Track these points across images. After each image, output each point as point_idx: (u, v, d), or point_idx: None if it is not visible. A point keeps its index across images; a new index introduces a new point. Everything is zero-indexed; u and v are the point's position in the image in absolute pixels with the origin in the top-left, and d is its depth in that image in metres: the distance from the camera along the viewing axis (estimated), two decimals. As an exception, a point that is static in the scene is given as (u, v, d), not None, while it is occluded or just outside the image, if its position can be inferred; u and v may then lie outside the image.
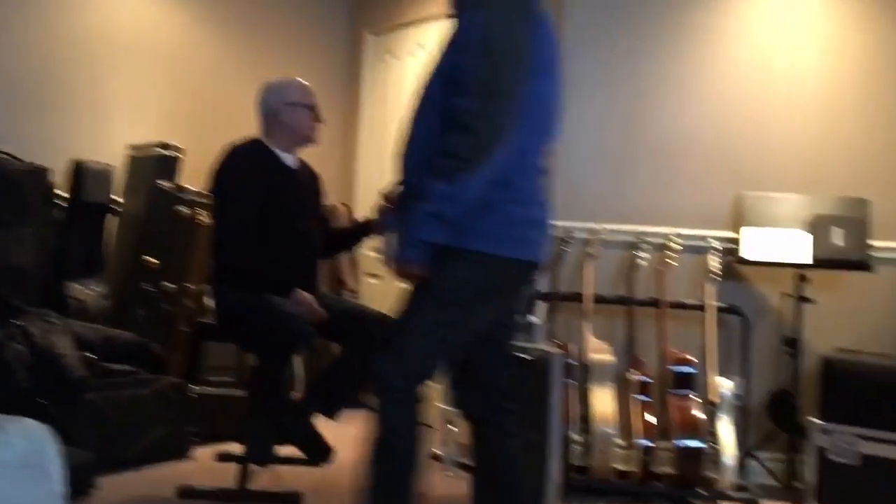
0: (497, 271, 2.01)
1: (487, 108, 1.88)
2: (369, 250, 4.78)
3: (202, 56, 4.51)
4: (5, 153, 3.59)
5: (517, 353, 3.01)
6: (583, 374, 3.34)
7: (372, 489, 1.98)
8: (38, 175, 3.64)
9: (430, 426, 3.90)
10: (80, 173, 3.85)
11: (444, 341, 2.02)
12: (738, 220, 3.47)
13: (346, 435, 3.81)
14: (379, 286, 4.76)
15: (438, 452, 3.56)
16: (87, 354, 3.18)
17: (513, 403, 2.22)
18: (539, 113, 2.03)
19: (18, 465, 1.17)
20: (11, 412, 1.45)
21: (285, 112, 2.92)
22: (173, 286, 3.88)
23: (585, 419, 3.25)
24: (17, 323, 3.04)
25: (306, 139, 2.98)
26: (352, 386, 2.99)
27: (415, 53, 4.62)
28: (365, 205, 4.55)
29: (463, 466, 3.45)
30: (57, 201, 3.81)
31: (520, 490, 2.17)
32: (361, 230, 3.05)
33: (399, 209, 2.79)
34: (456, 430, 3.50)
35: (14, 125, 3.83)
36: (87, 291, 3.80)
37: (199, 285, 3.94)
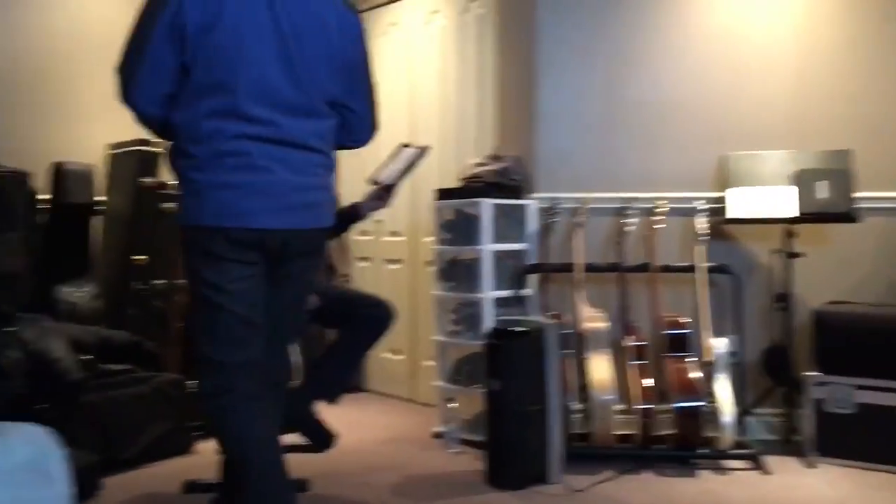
0: (195, 241, 2.04)
1: (121, 64, 2.09)
2: (358, 234, 4.77)
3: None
4: (-16, 160, 3.55)
5: (507, 328, 3.03)
6: (578, 343, 3.36)
7: None
8: (19, 179, 3.60)
9: (430, 404, 3.93)
10: (61, 175, 3.82)
11: (203, 325, 2.06)
12: (724, 180, 3.48)
13: (349, 419, 3.83)
14: (370, 269, 4.76)
15: (440, 430, 3.58)
16: (83, 356, 3.17)
17: (272, 384, 2.19)
18: (227, 74, 2.02)
19: (22, 470, 1.16)
20: (10, 419, 1.44)
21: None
22: (163, 282, 3.87)
23: (584, 388, 3.27)
24: (10, 329, 3.03)
25: None
26: (350, 370, 3.00)
27: (388, 33, 4.59)
28: (344, 193, 4.53)
29: (466, 443, 3.47)
30: (40, 205, 3.78)
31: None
32: (350, 215, 3.04)
33: (384, 193, 2.81)
34: (456, 405, 3.52)
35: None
36: (78, 293, 3.78)
37: (189, 280, 3.92)
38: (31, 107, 3.97)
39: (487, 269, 3.47)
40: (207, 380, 2.06)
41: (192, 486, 2.87)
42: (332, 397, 2.91)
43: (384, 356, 4.60)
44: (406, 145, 2.93)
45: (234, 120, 2.03)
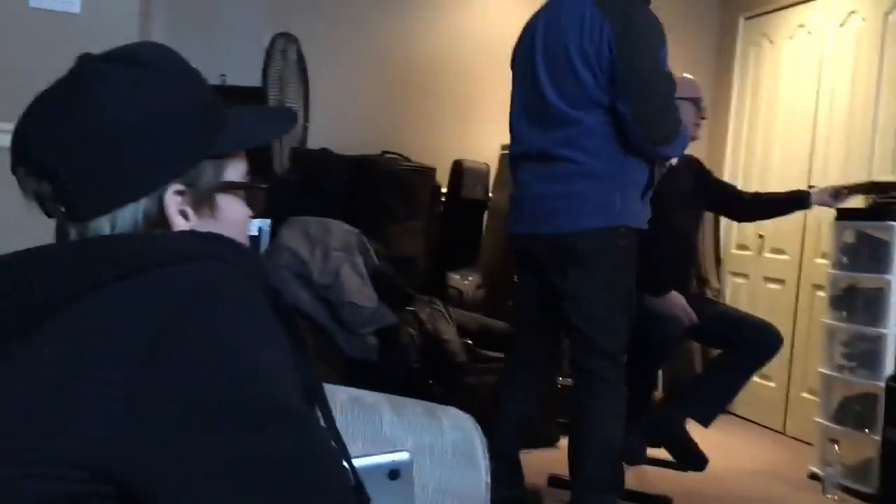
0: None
1: None
2: (736, 248, 4.54)
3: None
4: (398, 154, 4.00)
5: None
6: None
7: None
8: (424, 174, 3.99)
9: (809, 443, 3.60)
10: (460, 172, 4.16)
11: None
12: None
13: (713, 442, 3.66)
14: (745, 286, 4.49)
15: (818, 471, 3.27)
16: (467, 341, 3.42)
17: (576, 376, 2.43)
18: (517, 102, 2.43)
19: (451, 451, 1.25)
20: (404, 390, 1.59)
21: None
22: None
23: None
24: (410, 309, 3.37)
25: (688, 137, 2.87)
26: (728, 394, 2.86)
27: (794, 36, 4.27)
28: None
29: (848, 491, 3.12)
30: (440, 198, 4.15)
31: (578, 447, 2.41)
32: (793, 200, 3.09)
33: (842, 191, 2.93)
34: (837, 449, 3.18)
35: (403, 130, 4.25)
36: (464, 281, 4.09)
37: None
38: (438, 110, 4.38)
39: (895, 302, 3.07)
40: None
41: (557, 481, 2.95)
42: (706, 419, 2.79)
43: (754, 381, 4.31)
44: None
45: (514, 142, 2.47)
